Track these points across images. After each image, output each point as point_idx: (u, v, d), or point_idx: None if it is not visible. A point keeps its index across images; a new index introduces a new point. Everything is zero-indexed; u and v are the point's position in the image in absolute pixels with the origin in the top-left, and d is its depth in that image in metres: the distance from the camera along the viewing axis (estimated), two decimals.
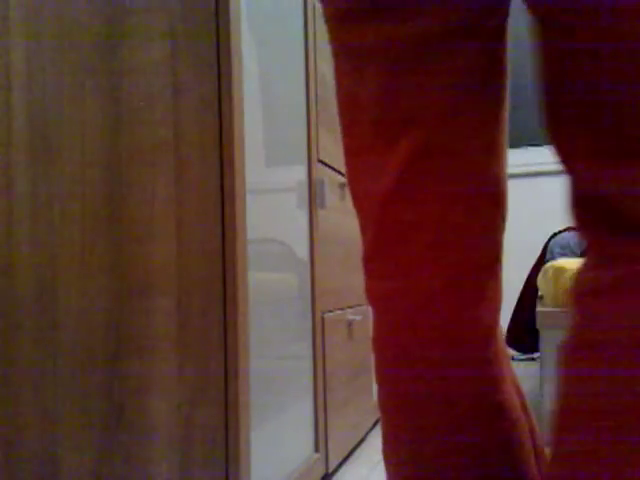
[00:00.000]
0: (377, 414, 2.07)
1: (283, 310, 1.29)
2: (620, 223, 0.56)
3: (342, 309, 1.71)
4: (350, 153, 0.66)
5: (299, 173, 1.43)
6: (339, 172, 1.72)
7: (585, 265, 0.59)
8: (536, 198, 3.71)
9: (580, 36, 0.54)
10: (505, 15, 0.64)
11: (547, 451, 0.61)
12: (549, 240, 2.78)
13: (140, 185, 1.12)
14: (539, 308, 1.93)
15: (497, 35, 0.64)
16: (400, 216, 0.63)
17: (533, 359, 3.60)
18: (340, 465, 1.72)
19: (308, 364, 1.44)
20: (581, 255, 2.45)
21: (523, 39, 3.71)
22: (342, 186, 1.73)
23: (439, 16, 0.59)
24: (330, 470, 1.54)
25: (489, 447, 0.65)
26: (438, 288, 0.63)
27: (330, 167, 1.64)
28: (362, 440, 1.96)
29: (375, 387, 2.09)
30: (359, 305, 1.91)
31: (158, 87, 1.11)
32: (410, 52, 0.60)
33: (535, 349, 2.66)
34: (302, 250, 1.42)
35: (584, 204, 0.59)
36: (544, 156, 3.74)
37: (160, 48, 1.11)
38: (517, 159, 3.76)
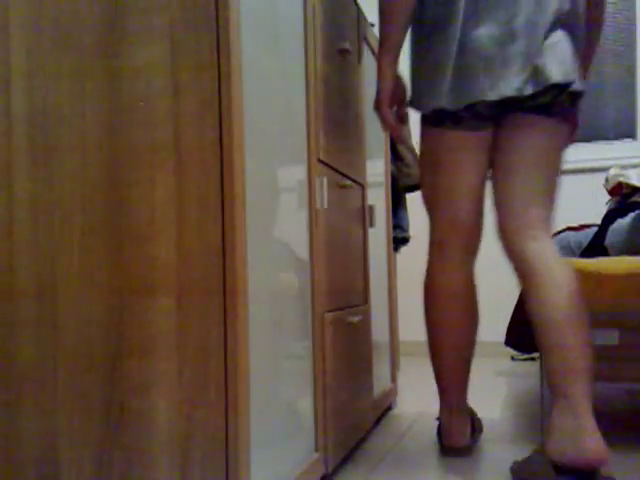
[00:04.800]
0: (377, 414, 2.07)
1: (283, 310, 1.30)
2: None
3: (342, 309, 1.71)
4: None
5: (299, 173, 1.43)
6: (339, 172, 1.72)
7: None
8: None
9: None
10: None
11: None
12: None
13: (140, 185, 1.12)
14: None
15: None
16: None
17: (533, 359, 3.59)
18: (340, 465, 1.72)
19: (308, 364, 1.44)
20: (581, 255, 2.45)
21: None
22: (342, 186, 1.73)
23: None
24: (330, 470, 1.54)
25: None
26: None
27: (330, 167, 1.64)
28: (362, 440, 1.96)
29: (375, 386, 2.09)
30: (359, 305, 1.91)
31: (158, 87, 1.11)
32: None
33: (535, 349, 2.66)
34: (302, 250, 1.42)
35: None
36: None
37: (160, 48, 1.11)
38: None
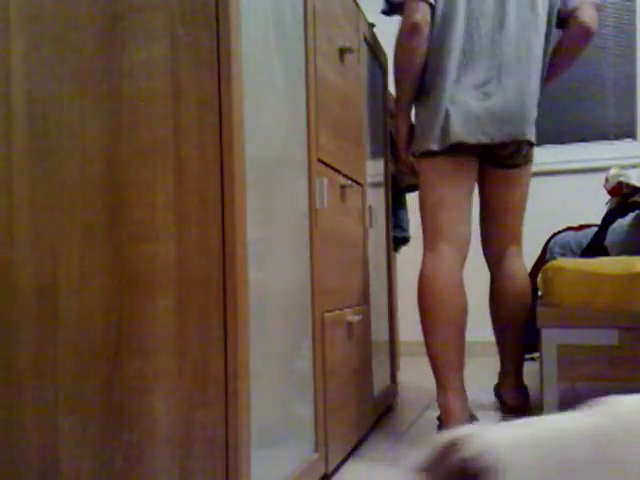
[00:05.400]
0: (377, 414, 2.07)
1: (283, 310, 1.29)
2: None
3: (342, 309, 1.71)
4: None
5: (299, 173, 1.43)
6: (339, 172, 1.72)
7: None
8: (536, 198, 3.70)
9: None
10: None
11: None
12: (549, 240, 2.79)
13: (140, 185, 1.12)
14: (539, 308, 1.93)
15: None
16: None
17: (533, 359, 3.59)
18: (340, 465, 1.72)
19: (308, 364, 1.44)
20: (581, 255, 2.45)
21: None
22: (342, 186, 1.73)
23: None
24: (330, 470, 1.54)
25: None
26: None
27: (330, 167, 1.64)
28: (362, 440, 1.96)
29: (375, 386, 2.09)
30: (359, 305, 1.91)
31: (158, 87, 1.11)
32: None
33: (535, 349, 2.66)
34: (302, 250, 1.42)
35: None
36: (544, 156, 3.74)
37: (160, 48, 1.11)
38: None
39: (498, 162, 2.05)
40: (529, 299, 2.16)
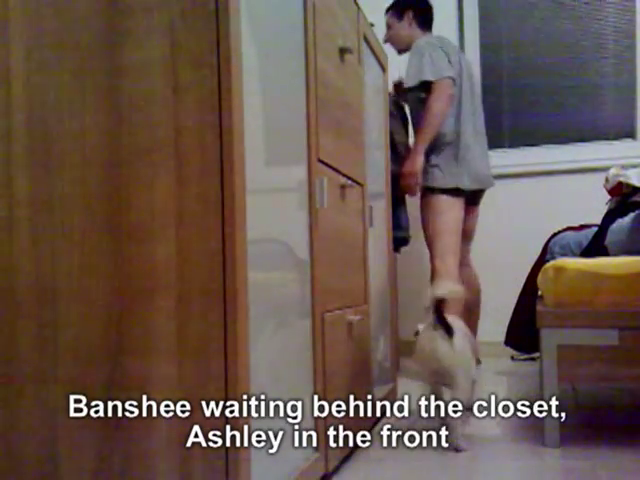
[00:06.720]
0: (377, 414, 2.07)
1: (283, 310, 1.30)
2: None
3: (342, 309, 1.71)
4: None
5: (299, 173, 1.43)
6: (339, 172, 1.72)
7: None
8: (536, 198, 3.71)
9: None
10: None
11: None
12: (549, 240, 2.79)
13: (140, 185, 1.12)
14: (539, 308, 1.93)
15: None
16: None
17: (533, 359, 3.59)
18: (340, 465, 1.72)
19: (308, 364, 1.44)
20: (581, 255, 2.45)
21: (524, 40, 3.71)
22: (342, 186, 1.73)
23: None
24: (330, 470, 1.54)
25: None
26: None
27: (330, 167, 1.64)
28: (362, 440, 1.96)
29: (375, 386, 2.09)
30: (359, 305, 1.91)
31: (158, 87, 1.11)
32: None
33: (535, 349, 2.66)
34: (302, 250, 1.42)
35: None
36: (543, 156, 3.74)
37: (160, 47, 1.11)
38: (517, 159, 3.76)
39: (472, 202, 3.14)
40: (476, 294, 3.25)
